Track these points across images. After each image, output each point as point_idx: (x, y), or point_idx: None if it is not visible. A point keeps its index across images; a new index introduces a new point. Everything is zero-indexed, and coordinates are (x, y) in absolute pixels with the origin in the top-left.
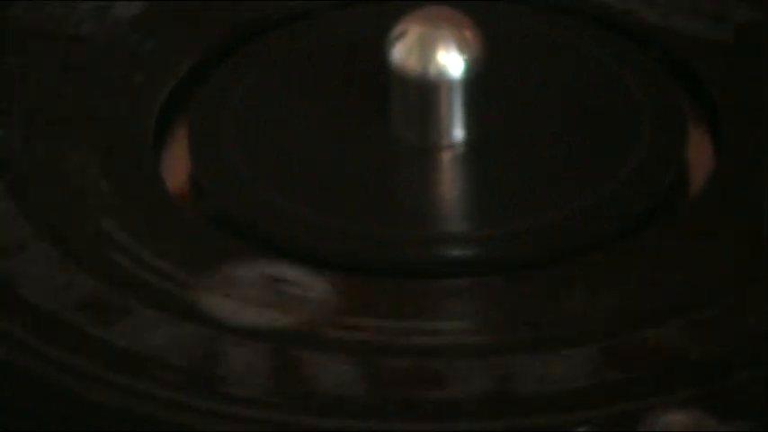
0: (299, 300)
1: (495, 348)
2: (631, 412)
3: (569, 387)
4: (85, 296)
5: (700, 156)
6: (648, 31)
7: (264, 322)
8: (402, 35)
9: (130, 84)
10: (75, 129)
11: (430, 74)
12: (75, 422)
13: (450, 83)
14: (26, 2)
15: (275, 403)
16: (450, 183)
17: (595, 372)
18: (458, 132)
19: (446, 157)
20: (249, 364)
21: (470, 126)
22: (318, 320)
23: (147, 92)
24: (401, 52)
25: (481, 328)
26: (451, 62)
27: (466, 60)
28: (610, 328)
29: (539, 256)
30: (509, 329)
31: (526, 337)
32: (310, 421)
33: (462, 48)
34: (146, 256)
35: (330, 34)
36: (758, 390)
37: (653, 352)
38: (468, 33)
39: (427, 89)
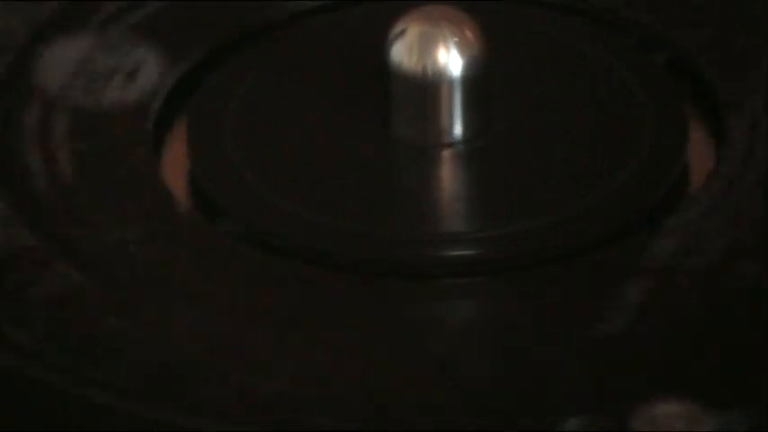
0: None
1: (496, 348)
2: (623, 405)
3: (568, 382)
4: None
5: (700, 156)
6: (649, 31)
7: None
8: (402, 34)
9: (130, 84)
10: (74, 129)
11: (430, 73)
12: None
13: (449, 82)
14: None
15: None
16: (450, 182)
17: (597, 370)
18: (458, 131)
19: (446, 156)
20: None
21: (470, 125)
22: None
23: (146, 92)
24: (401, 51)
25: (482, 327)
26: (451, 61)
27: (466, 59)
28: (610, 328)
29: (539, 257)
30: (510, 329)
31: (526, 337)
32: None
33: (462, 47)
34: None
35: (330, 34)
36: (749, 380)
37: (652, 349)
38: (468, 32)
39: (427, 88)
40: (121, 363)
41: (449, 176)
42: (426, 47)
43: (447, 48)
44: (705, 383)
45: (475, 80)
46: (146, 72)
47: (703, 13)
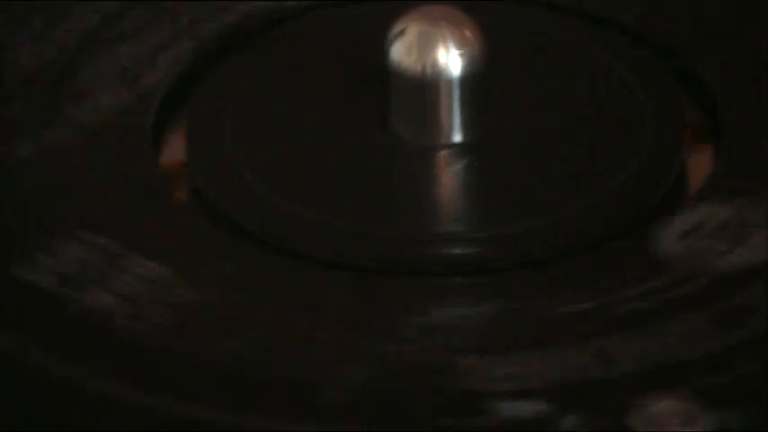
0: None
1: (496, 347)
2: (621, 403)
3: (567, 380)
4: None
5: (700, 156)
6: (649, 31)
7: None
8: (401, 34)
9: (130, 83)
10: (74, 129)
11: (429, 72)
12: None
13: (449, 81)
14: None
15: None
16: (449, 182)
17: (595, 368)
18: (457, 131)
19: (446, 156)
20: None
21: (469, 125)
22: None
23: (146, 92)
24: (400, 51)
25: (482, 327)
26: (451, 61)
27: (465, 59)
28: (609, 327)
29: (539, 257)
30: (509, 328)
31: (526, 336)
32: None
33: (461, 46)
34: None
35: (329, 33)
36: (747, 379)
37: (650, 347)
38: (467, 32)
39: (426, 88)
40: (119, 359)
41: (448, 176)
42: (426, 47)
43: (446, 48)
44: (703, 382)
45: (474, 80)
46: (145, 72)
47: (704, 12)
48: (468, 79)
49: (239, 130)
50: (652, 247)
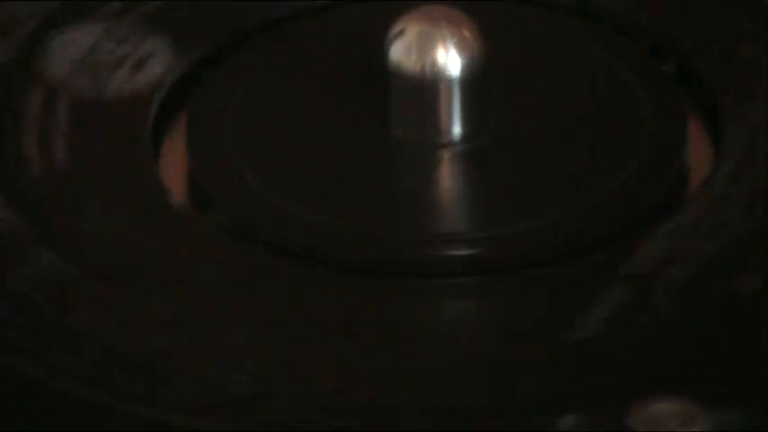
0: None
1: (496, 346)
2: (620, 403)
3: (566, 380)
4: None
5: (700, 156)
6: (649, 31)
7: None
8: (401, 34)
9: (130, 83)
10: (74, 129)
11: (428, 72)
12: None
13: (448, 82)
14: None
15: None
16: (449, 182)
17: (595, 368)
18: (456, 131)
19: (445, 156)
20: None
21: (469, 125)
22: None
23: (146, 91)
24: (400, 51)
25: (482, 327)
26: (450, 61)
27: (464, 59)
28: (609, 327)
29: (539, 256)
30: (509, 328)
31: (526, 335)
32: None
33: (461, 46)
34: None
35: (329, 33)
36: (746, 379)
37: (650, 347)
38: (466, 32)
39: (426, 88)
40: (91, 352)
41: (448, 176)
42: (425, 47)
43: (446, 48)
44: (702, 382)
45: (474, 80)
46: (144, 72)
47: (704, 14)
48: (468, 79)
49: (239, 130)
50: None
